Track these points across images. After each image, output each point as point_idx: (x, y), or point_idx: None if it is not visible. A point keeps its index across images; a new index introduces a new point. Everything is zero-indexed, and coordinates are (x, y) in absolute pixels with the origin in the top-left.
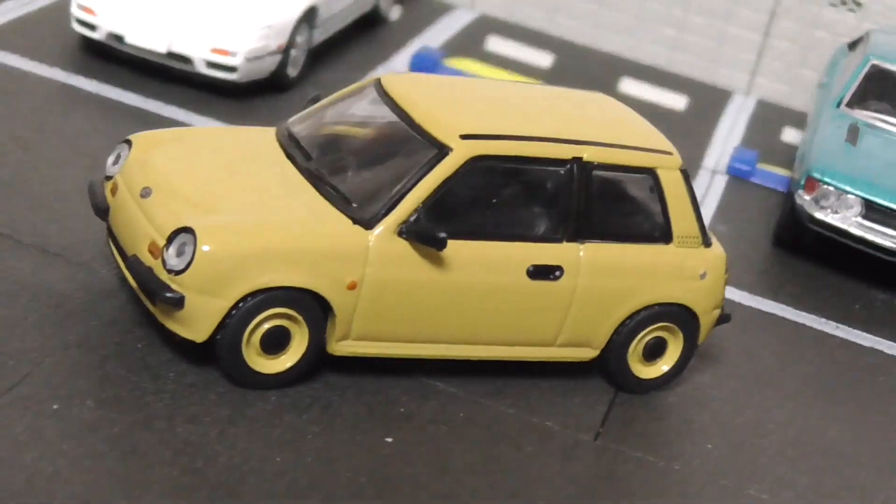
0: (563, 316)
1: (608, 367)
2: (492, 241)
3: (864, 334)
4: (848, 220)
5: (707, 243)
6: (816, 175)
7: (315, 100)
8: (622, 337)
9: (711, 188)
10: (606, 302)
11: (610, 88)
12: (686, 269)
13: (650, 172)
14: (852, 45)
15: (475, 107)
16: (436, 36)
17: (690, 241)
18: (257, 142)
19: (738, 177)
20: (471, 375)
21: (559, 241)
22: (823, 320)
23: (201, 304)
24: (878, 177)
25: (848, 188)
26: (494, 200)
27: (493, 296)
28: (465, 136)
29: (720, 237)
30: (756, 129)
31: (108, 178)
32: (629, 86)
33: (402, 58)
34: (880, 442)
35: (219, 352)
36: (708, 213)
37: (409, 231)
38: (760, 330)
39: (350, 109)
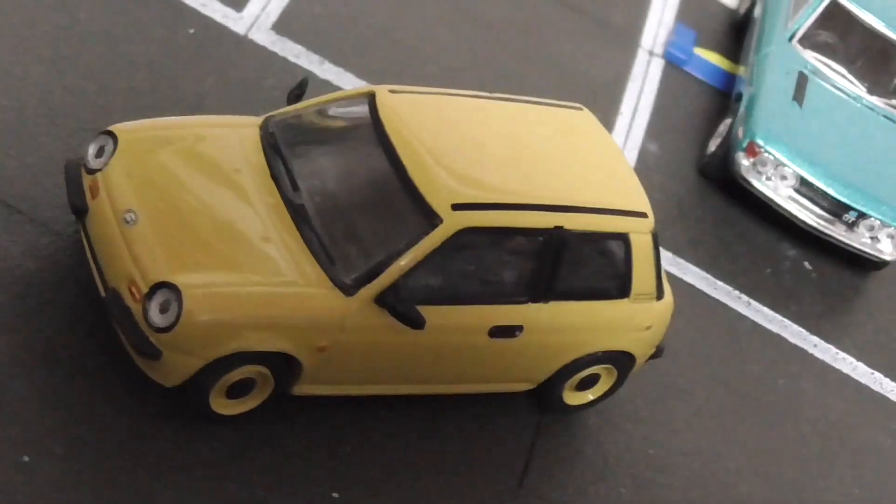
0: (514, 363)
1: (541, 393)
2: (459, 305)
3: (772, 313)
4: (780, 190)
5: (660, 297)
6: (759, 142)
7: (301, 88)
8: (562, 375)
9: (648, 77)
10: (556, 350)
11: None
12: (635, 322)
13: (623, 237)
14: None
15: (467, 155)
16: None
17: (645, 297)
18: (243, 149)
19: (674, 64)
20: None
21: (524, 302)
22: (736, 294)
23: (176, 360)
24: (821, 150)
25: (788, 161)
26: (472, 267)
27: (453, 354)
28: (456, 207)
29: (649, 160)
30: None
31: (89, 171)
32: None
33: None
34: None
35: (186, 394)
36: (643, 121)
37: (389, 305)
38: (678, 310)
39: (341, 126)
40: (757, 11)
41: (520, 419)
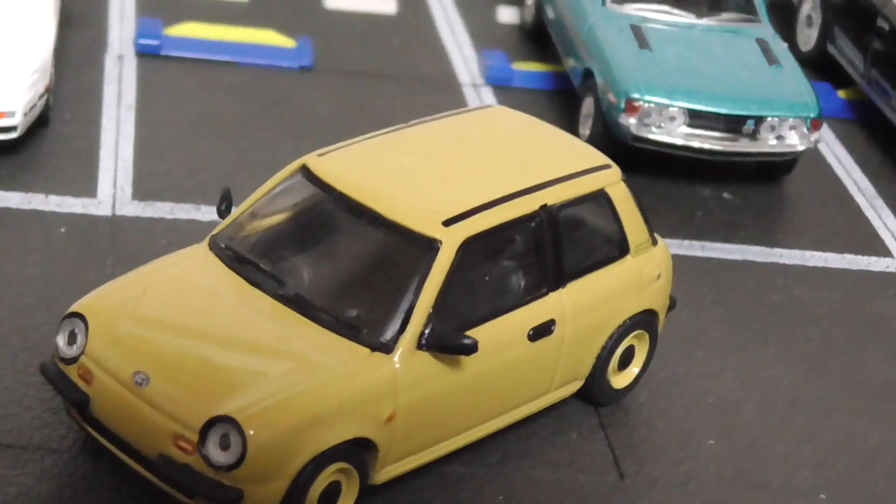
0: (557, 363)
1: (591, 389)
2: (492, 321)
3: (727, 246)
4: (674, 132)
5: (654, 242)
6: (636, 95)
7: (227, 199)
8: (602, 360)
9: (483, 101)
10: (590, 335)
11: (316, 7)
12: (645, 276)
13: (601, 193)
14: None
15: (425, 179)
16: None
17: (643, 246)
18: (205, 274)
19: (501, 85)
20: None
21: (545, 294)
22: (688, 243)
23: (260, 493)
24: (690, 79)
25: (669, 101)
26: (487, 278)
27: (505, 371)
28: (447, 223)
29: None
30: (470, 12)
31: (68, 361)
32: (334, 1)
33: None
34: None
35: None
36: None
37: (432, 344)
38: None
39: (290, 210)
40: (550, 12)
41: (582, 425)
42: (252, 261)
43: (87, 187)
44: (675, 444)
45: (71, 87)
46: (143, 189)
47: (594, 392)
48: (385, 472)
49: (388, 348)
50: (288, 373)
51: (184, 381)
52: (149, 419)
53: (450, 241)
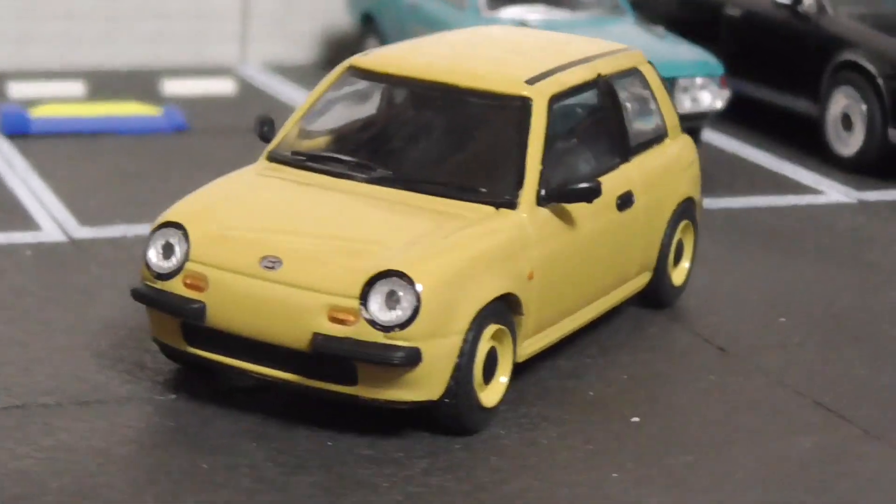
0: (637, 240)
1: (655, 285)
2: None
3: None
4: None
5: (682, 129)
6: None
7: (267, 121)
8: (665, 248)
9: None
10: (655, 214)
11: (155, 93)
12: (683, 161)
13: (636, 72)
14: None
15: (484, 56)
16: None
17: (677, 130)
18: (290, 175)
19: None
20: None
21: (619, 165)
22: None
23: (435, 351)
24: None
25: None
26: (572, 142)
27: (604, 237)
28: (529, 82)
29: None
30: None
31: (167, 275)
32: (173, 86)
33: None
34: None
35: (449, 400)
36: None
37: (552, 196)
38: None
39: (349, 108)
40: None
41: (655, 320)
42: (334, 157)
43: (26, 223)
44: (749, 314)
45: None
46: (87, 216)
47: (659, 288)
48: (527, 346)
49: (512, 204)
50: (431, 232)
51: (324, 253)
52: (291, 302)
53: (539, 98)
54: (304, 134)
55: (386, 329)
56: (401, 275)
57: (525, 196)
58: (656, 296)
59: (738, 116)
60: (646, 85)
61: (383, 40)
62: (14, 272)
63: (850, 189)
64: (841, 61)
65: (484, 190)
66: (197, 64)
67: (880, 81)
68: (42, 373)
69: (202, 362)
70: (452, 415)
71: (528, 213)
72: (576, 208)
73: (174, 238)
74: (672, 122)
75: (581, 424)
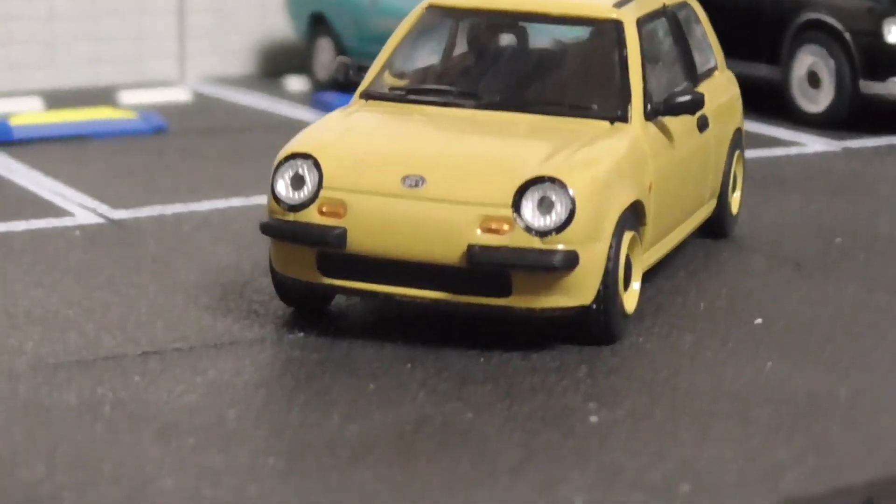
0: (711, 164)
1: (719, 213)
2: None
3: None
4: None
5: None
6: None
7: (349, 65)
8: (725, 175)
9: None
10: (721, 140)
11: (113, 104)
12: (731, 94)
13: (688, 6)
14: None
15: None
16: None
17: (724, 63)
18: (396, 109)
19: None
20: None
21: (694, 87)
22: None
23: (590, 255)
24: None
25: None
26: (660, 62)
27: (693, 157)
28: (617, 5)
29: None
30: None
31: (299, 206)
32: (130, 96)
33: None
34: None
35: (598, 306)
36: None
37: (659, 111)
38: None
39: (437, 44)
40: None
41: (732, 254)
42: (437, 88)
43: (56, 211)
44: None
45: None
46: (117, 203)
47: (723, 215)
48: (647, 258)
49: (624, 118)
50: (566, 143)
51: (467, 167)
52: (441, 217)
53: (629, 20)
54: (396, 72)
55: (543, 234)
56: (553, 180)
57: (635, 110)
58: (719, 223)
59: None
60: (697, 19)
61: (337, 40)
62: (75, 249)
63: (829, 140)
64: (803, 21)
65: (595, 106)
66: (137, 81)
67: (847, 36)
68: (161, 326)
69: (339, 292)
70: (602, 321)
71: (639, 126)
72: (673, 125)
73: (303, 168)
74: (720, 56)
75: (710, 330)
